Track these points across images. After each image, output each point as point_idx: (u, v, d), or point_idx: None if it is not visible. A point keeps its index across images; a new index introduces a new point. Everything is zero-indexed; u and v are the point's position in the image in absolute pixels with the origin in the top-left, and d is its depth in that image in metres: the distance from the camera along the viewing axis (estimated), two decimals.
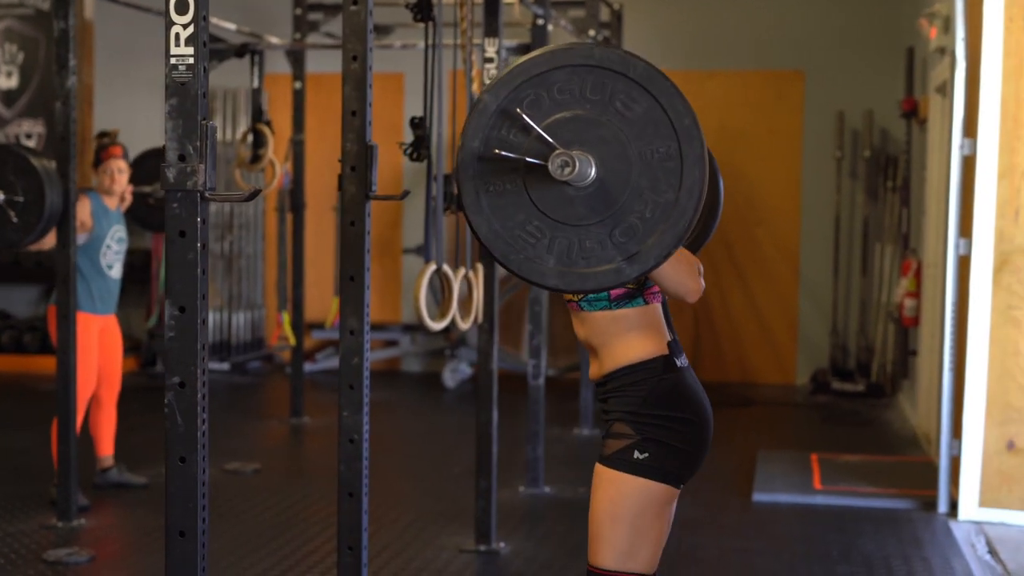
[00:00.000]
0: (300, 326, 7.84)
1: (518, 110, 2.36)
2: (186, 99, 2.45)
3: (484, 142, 2.39)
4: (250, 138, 7.08)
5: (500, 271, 5.30)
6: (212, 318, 9.88)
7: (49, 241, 5.35)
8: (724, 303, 9.64)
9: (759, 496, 5.97)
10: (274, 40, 7.48)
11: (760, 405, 8.74)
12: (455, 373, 9.28)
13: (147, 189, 5.82)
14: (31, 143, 9.95)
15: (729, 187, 10.11)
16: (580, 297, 2.83)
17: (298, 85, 7.85)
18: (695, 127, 2.36)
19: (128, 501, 5.72)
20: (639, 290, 2.82)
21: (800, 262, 9.65)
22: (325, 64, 9.37)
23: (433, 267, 4.14)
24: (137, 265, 9.68)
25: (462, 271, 4.46)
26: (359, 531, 3.43)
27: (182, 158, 2.45)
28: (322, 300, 9.69)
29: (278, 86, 9.14)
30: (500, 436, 5.24)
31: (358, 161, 3.41)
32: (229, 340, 9.75)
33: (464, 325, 4.46)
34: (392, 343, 9.87)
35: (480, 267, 4.68)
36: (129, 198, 6.01)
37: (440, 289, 4.32)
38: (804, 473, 6.42)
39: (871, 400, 8.81)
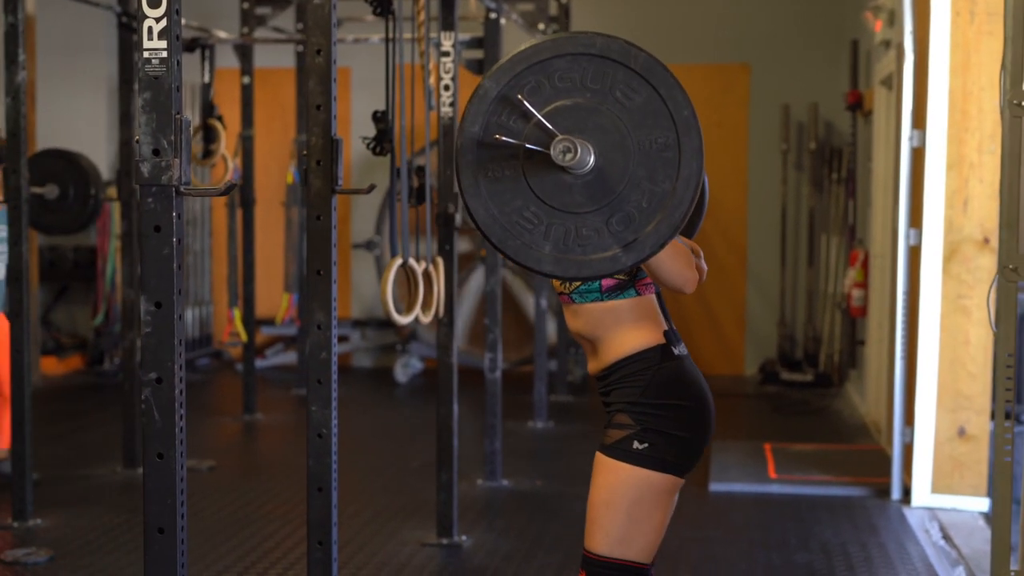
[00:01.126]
0: (251, 322, 7.79)
1: (519, 96, 2.37)
2: (160, 93, 2.43)
3: (484, 127, 2.40)
4: (200, 134, 7.03)
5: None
6: None
7: None
8: (672, 294, 9.67)
9: (715, 486, 6.02)
10: (222, 35, 7.42)
11: (735, 396, 8.81)
12: (406, 368, 9.27)
13: (38, 190, 5.71)
14: None
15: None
16: (571, 289, 2.84)
17: (246, 80, 7.80)
18: (693, 118, 2.39)
19: (83, 500, 5.66)
20: (630, 281, 2.84)
21: (747, 253, 9.73)
22: (272, 59, 9.32)
23: (399, 261, 4.14)
24: (82, 263, 9.58)
25: (423, 265, 4.46)
26: (329, 526, 3.42)
27: (156, 152, 2.43)
28: (271, 296, 9.64)
29: (225, 81, 9.06)
30: (458, 430, 5.24)
31: (323, 155, 3.40)
32: None
33: (426, 319, 4.46)
34: (343, 339, 9.83)
35: (440, 261, 4.68)
36: None
37: (406, 284, 4.31)
38: (758, 462, 6.48)
39: (819, 390, 8.91)
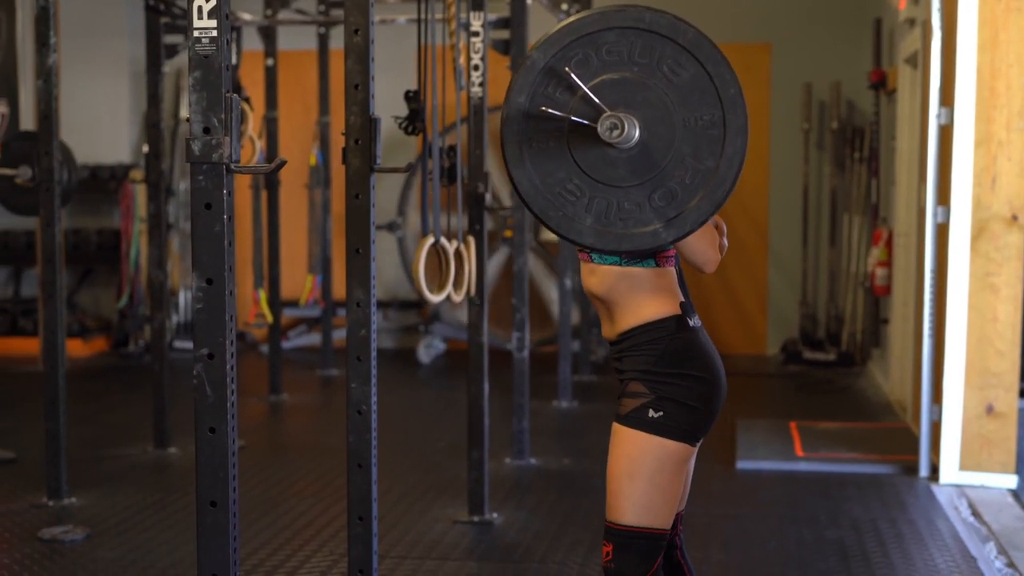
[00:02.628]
0: (276, 303, 7.83)
1: (566, 68, 2.38)
2: (210, 72, 2.45)
3: (530, 98, 2.41)
4: None
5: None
6: (183, 297, 9.84)
7: None
8: (694, 274, 9.68)
9: (743, 464, 6.05)
10: (246, 16, 7.44)
11: (733, 375, 8.72)
12: (429, 349, 9.31)
13: (11, 172, 5.73)
14: None
15: None
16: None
17: (270, 62, 7.82)
18: (740, 97, 2.40)
19: (116, 479, 5.71)
20: (651, 251, 2.85)
21: (769, 233, 9.73)
22: (294, 42, 9.33)
23: (431, 240, 4.16)
24: (106, 246, 9.63)
25: (455, 244, 4.48)
26: (369, 501, 3.45)
27: (207, 130, 2.45)
28: (295, 278, 9.67)
29: (249, 64, 9.08)
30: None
31: (362, 134, 3.41)
32: None
33: (457, 298, 4.48)
34: None
35: (471, 240, 4.70)
36: None
37: (437, 263, 4.34)
38: (785, 440, 6.50)
39: (842, 369, 8.92)
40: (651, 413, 2.82)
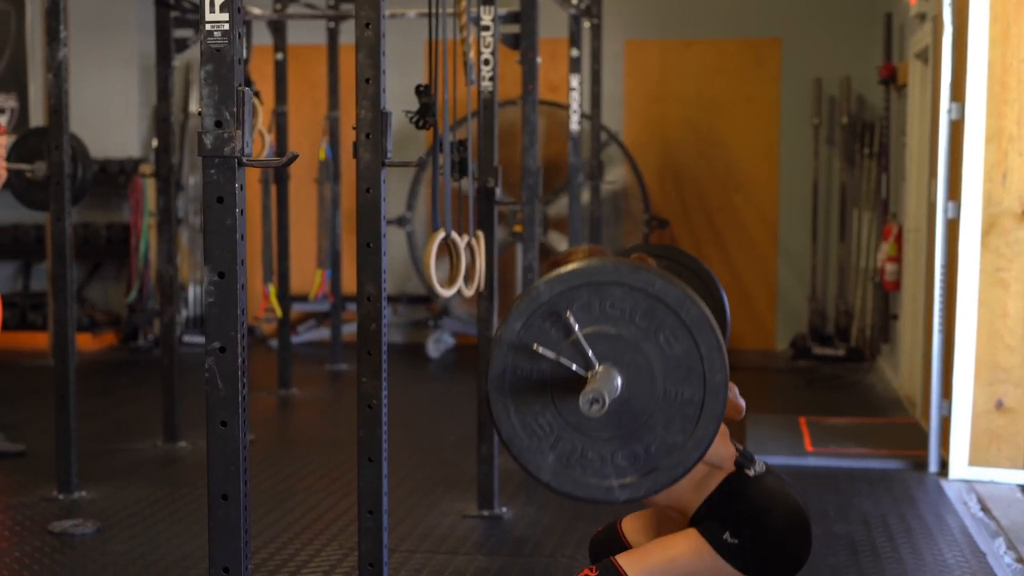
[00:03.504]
0: (286, 298, 7.84)
1: (568, 311, 2.40)
2: (222, 65, 2.45)
3: (526, 327, 2.43)
4: None
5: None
6: (193, 291, 9.86)
7: None
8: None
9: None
10: (256, 11, 7.44)
11: (742, 370, 8.81)
12: (439, 343, 9.31)
13: (25, 167, 5.76)
14: (4, 118, 9.87)
15: (708, 155, 10.23)
16: None
17: (280, 56, 7.82)
18: (723, 386, 2.41)
19: (125, 473, 5.72)
20: None
21: (779, 228, 9.72)
22: (303, 36, 9.34)
23: (442, 234, 4.16)
24: (115, 240, 9.64)
25: (465, 238, 4.48)
26: (380, 495, 3.46)
27: (219, 124, 2.45)
28: (304, 272, 9.68)
29: (258, 58, 9.09)
30: None
31: (373, 128, 3.42)
32: None
33: (468, 292, 4.48)
34: None
35: (481, 235, 4.70)
36: (4, 173, 5.98)
37: (448, 257, 4.34)
38: (794, 435, 6.50)
39: (852, 364, 8.91)
40: (727, 536, 2.84)
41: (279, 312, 7.77)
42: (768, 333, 9.78)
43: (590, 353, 2.41)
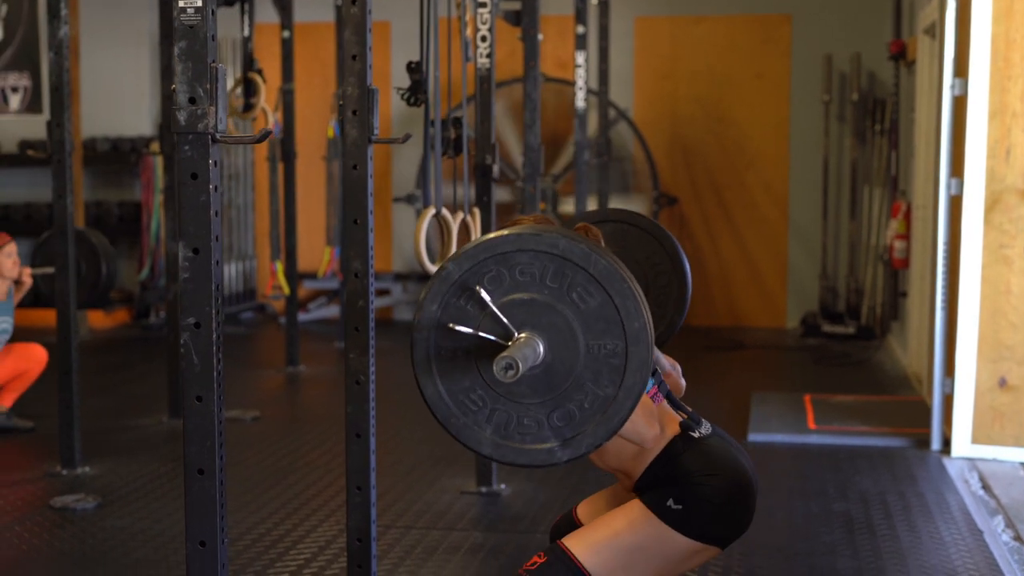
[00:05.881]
0: (293, 275, 7.86)
1: (478, 286, 2.41)
2: (195, 42, 2.46)
3: (442, 308, 2.44)
4: (241, 88, 7.07)
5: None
6: None
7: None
8: (714, 247, 9.68)
9: (754, 436, 6.04)
10: None
11: (751, 348, 8.81)
12: None
13: (51, 270, 5.86)
14: (16, 97, 9.92)
15: (718, 132, 10.18)
16: None
17: (286, 34, 7.82)
18: (644, 331, 2.41)
19: (130, 449, 5.76)
20: None
21: (789, 206, 9.69)
22: (312, 13, 9.34)
23: (432, 211, 4.17)
24: (127, 218, 9.69)
25: (460, 215, 4.49)
26: (367, 471, 3.47)
27: (192, 100, 2.46)
28: (313, 250, 9.71)
29: (265, 36, 9.10)
30: None
31: (359, 105, 3.42)
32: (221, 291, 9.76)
33: None
34: (384, 292, 9.90)
35: (477, 211, 4.70)
36: (28, 280, 6.11)
37: (439, 234, 4.34)
38: (798, 413, 6.49)
39: (861, 342, 8.89)
40: (671, 503, 2.83)
41: (287, 290, 7.80)
42: (778, 311, 9.76)
43: (507, 322, 2.42)
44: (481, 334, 2.43)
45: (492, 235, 2.47)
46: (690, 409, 3.00)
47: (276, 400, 7.23)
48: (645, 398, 2.85)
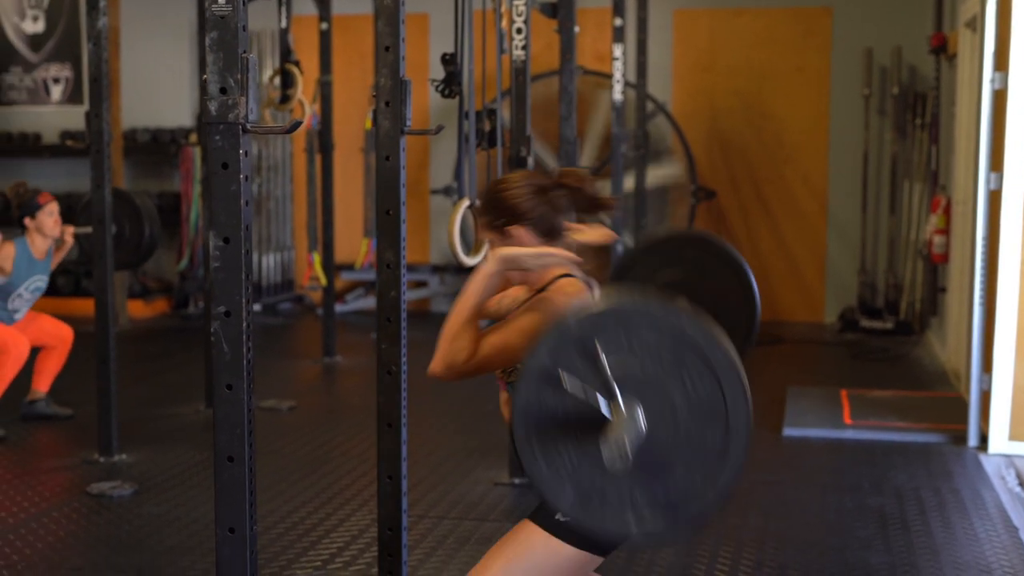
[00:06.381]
0: (330, 266, 7.90)
1: (597, 346, 2.35)
2: (226, 32, 2.48)
3: (554, 359, 2.38)
4: (278, 79, 7.10)
5: None
6: None
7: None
8: (752, 241, 9.64)
9: (789, 431, 6.02)
10: None
11: (789, 343, 8.77)
12: None
13: (91, 229, 5.91)
14: (58, 88, 10.00)
15: (757, 126, 10.11)
16: (511, 378, 2.79)
17: (324, 26, 7.85)
18: (746, 433, 2.35)
19: (166, 437, 5.81)
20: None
21: (828, 200, 9.63)
22: (350, 6, 9.37)
23: (466, 203, 4.17)
24: (167, 208, 9.76)
25: None
26: (398, 460, 3.48)
27: (223, 91, 2.47)
28: (351, 242, 9.74)
29: (303, 28, 9.14)
30: None
31: (392, 96, 3.43)
32: (260, 281, 9.83)
33: None
34: (421, 284, 9.93)
35: None
36: (70, 240, 6.15)
37: (474, 226, 4.34)
38: (834, 408, 6.45)
39: (900, 337, 8.82)
40: (560, 516, 2.72)
41: (324, 281, 7.84)
42: (817, 306, 9.71)
43: (617, 392, 2.36)
44: (588, 395, 2.36)
45: (620, 298, 2.41)
46: None
47: (312, 390, 7.26)
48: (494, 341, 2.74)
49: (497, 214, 2.80)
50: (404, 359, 3.50)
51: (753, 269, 9.62)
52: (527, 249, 2.74)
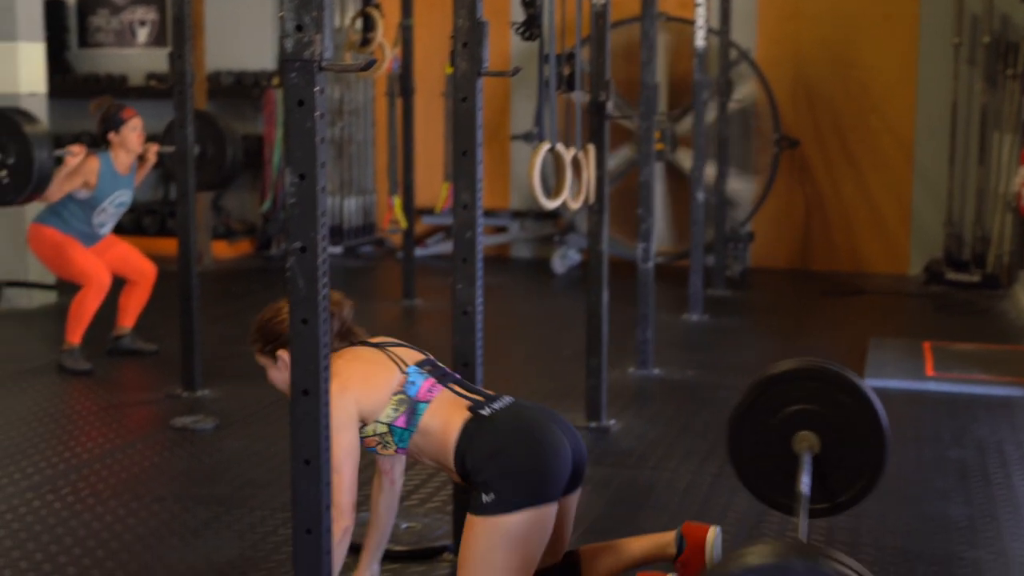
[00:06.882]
0: (411, 210, 7.94)
1: None
2: None
3: None
4: (359, 22, 7.12)
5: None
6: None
7: (48, 194, 5.76)
8: (836, 191, 9.52)
9: (870, 381, 5.95)
10: None
11: (871, 294, 8.67)
12: (564, 259, 9.34)
13: (172, 149, 5.95)
14: (144, 30, 10.12)
15: (842, 74, 9.94)
16: (386, 452, 3.09)
17: None
18: None
19: (247, 375, 5.90)
20: (411, 418, 3.05)
21: (914, 150, 9.46)
22: None
23: (547, 146, 4.17)
24: (251, 151, 9.86)
25: (572, 151, 4.48)
26: None
27: (299, 28, 2.49)
28: (431, 186, 9.78)
29: None
30: (610, 320, 5.29)
31: (470, 37, 3.43)
32: (341, 225, 9.91)
33: (575, 205, 4.49)
34: (501, 229, 9.95)
35: (591, 148, 4.69)
36: (153, 157, 6.20)
37: (554, 169, 4.35)
38: (916, 360, 6.38)
39: (986, 291, 8.68)
40: (483, 497, 2.92)
41: (404, 224, 7.88)
42: (901, 257, 9.57)
43: None
44: None
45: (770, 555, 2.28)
46: (482, 390, 3.13)
47: (390, 331, 7.19)
48: (446, 394, 3.05)
49: (265, 342, 3.27)
50: (480, 299, 3.53)
51: (836, 220, 9.57)
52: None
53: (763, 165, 9.39)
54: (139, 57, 10.10)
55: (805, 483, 3.18)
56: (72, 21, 10.56)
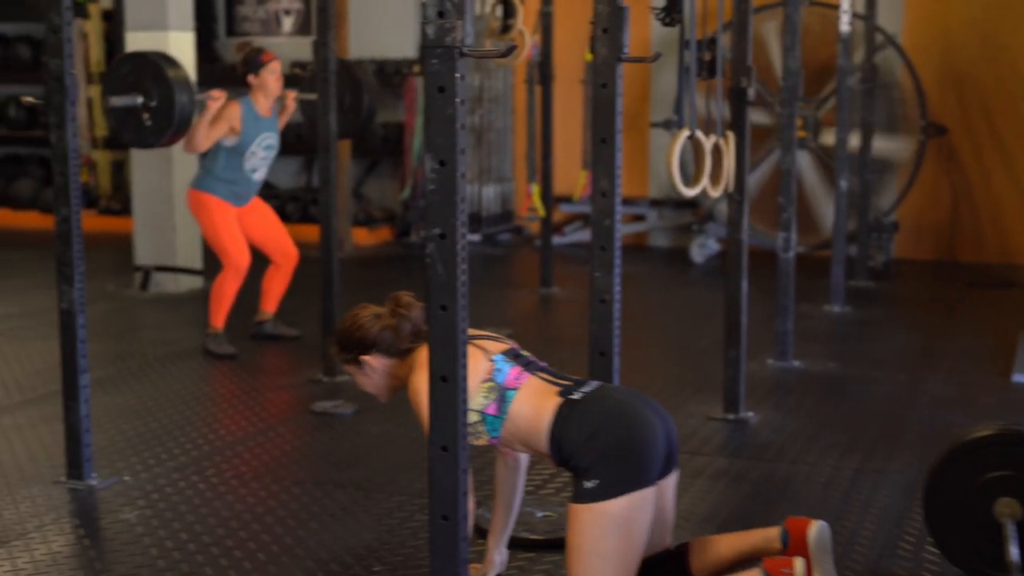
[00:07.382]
0: (549, 198, 7.93)
1: None
2: None
3: None
4: (499, 9, 7.13)
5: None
6: (469, 190, 10.10)
7: (196, 143, 5.80)
8: (985, 180, 9.25)
9: (1020, 377, 5.78)
10: None
11: (1022, 287, 8.40)
12: (703, 248, 9.25)
13: (314, 97, 5.97)
14: (289, 19, 10.29)
15: (992, 57, 9.64)
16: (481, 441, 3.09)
17: None
18: None
19: None
20: (501, 405, 3.04)
21: None
22: None
23: (687, 132, 4.12)
24: (391, 139, 9.96)
25: (713, 138, 4.42)
26: None
27: (441, 14, 2.50)
28: (570, 174, 9.76)
29: None
30: (749, 311, 5.22)
31: (610, 23, 3.41)
32: (480, 212, 9.96)
33: (714, 193, 4.43)
34: (640, 218, 9.89)
35: (731, 135, 4.62)
36: (293, 104, 6.23)
37: (694, 156, 4.30)
38: None
39: None
40: (585, 484, 2.91)
41: (542, 212, 7.88)
42: None
43: None
44: None
45: None
46: (569, 376, 3.12)
47: (528, 319, 7.34)
48: (535, 381, 3.03)
49: (348, 350, 3.25)
50: (617, 288, 3.50)
51: (984, 209, 9.28)
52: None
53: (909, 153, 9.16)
54: (284, 46, 10.28)
55: (1015, 553, 3.18)
56: (220, 11, 10.79)
